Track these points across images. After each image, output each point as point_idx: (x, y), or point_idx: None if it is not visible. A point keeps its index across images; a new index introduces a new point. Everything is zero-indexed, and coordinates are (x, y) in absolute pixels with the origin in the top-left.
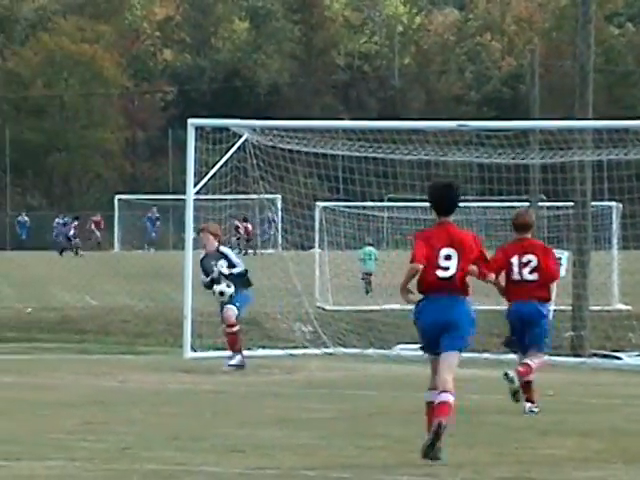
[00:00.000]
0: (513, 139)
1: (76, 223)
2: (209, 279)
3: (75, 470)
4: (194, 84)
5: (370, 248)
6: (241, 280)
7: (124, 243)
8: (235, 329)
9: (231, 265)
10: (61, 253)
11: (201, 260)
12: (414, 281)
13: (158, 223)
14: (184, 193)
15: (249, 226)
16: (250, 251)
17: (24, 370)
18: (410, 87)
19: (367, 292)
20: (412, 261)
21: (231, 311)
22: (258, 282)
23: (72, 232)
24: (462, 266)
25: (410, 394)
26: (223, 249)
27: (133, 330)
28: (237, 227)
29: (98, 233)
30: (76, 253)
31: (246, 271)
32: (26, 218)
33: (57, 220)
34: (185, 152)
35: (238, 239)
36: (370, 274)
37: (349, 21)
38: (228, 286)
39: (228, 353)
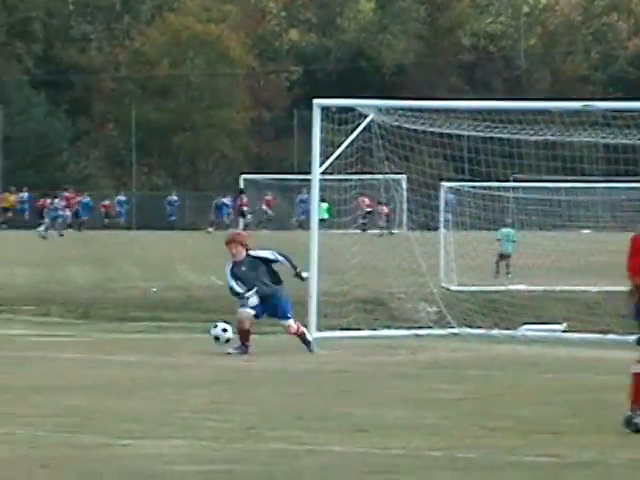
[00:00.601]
0: (639, 119)
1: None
2: (244, 291)
3: (200, 449)
4: (319, 64)
5: (508, 229)
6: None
7: (249, 224)
8: (245, 329)
9: (268, 261)
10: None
11: (231, 269)
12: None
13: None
14: (309, 173)
15: (385, 208)
16: (386, 231)
17: (150, 349)
18: (536, 67)
19: (497, 273)
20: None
21: (246, 314)
22: (383, 262)
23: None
24: None
25: (535, 375)
26: (251, 252)
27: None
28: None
29: (270, 211)
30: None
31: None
32: (175, 197)
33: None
34: (310, 132)
35: (364, 218)
36: (508, 256)
37: (475, 1)
38: (224, 330)
39: (353, 334)
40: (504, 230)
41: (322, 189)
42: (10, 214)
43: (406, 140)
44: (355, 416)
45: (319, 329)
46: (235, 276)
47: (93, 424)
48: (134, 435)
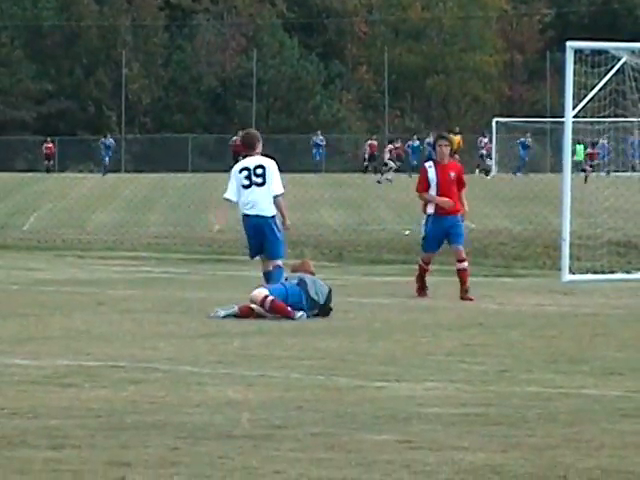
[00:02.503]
0: None
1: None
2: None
3: (454, 391)
4: (572, 6)
5: None
6: None
7: (501, 166)
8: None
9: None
10: None
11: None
12: None
13: (529, 149)
14: (562, 116)
15: None
16: None
17: (403, 292)
18: None
19: None
20: None
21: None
22: (636, 205)
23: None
24: None
25: None
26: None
27: (511, 253)
28: None
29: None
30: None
31: None
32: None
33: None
34: (563, 75)
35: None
36: None
37: None
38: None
39: (606, 277)
40: None
41: (574, 132)
42: None
43: None
44: (609, 359)
45: (572, 272)
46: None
47: (347, 366)
48: (387, 377)
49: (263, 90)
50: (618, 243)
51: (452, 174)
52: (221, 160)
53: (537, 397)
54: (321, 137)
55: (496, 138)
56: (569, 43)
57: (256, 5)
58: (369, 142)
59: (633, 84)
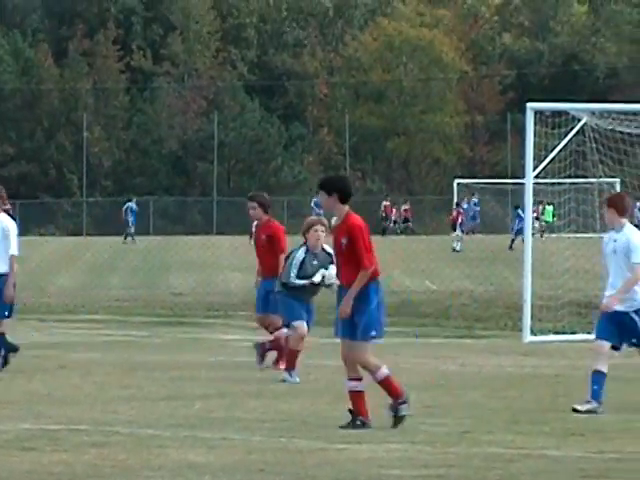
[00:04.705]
0: None
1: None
2: (308, 282)
3: (415, 453)
4: (532, 68)
5: None
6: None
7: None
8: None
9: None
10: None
11: (303, 259)
12: None
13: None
14: (523, 177)
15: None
16: None
17: None
18: None
19: None
20: None
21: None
22: (597, 266)
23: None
24: None
25: None
26: (328, 248)
27: (472, 313)
28: None
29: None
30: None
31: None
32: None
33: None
34: (524, 136)
35: None
36: None
37: None
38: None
39: (567, 337)
40: None
41: (535, 193)
42: None
43: (620, 143)
44: (570, 420)
45: (533, 333)
46: (303, 265)
47: (308, 429)
48: (349, 439)
49: (224, 152)
50: (579, 304)
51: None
52: (182, 222)
53: (498, 458)
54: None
55: (457, 199)
56: (529, 104)
57: (217, 67)
58: (384, 203)
59: (593, 145)
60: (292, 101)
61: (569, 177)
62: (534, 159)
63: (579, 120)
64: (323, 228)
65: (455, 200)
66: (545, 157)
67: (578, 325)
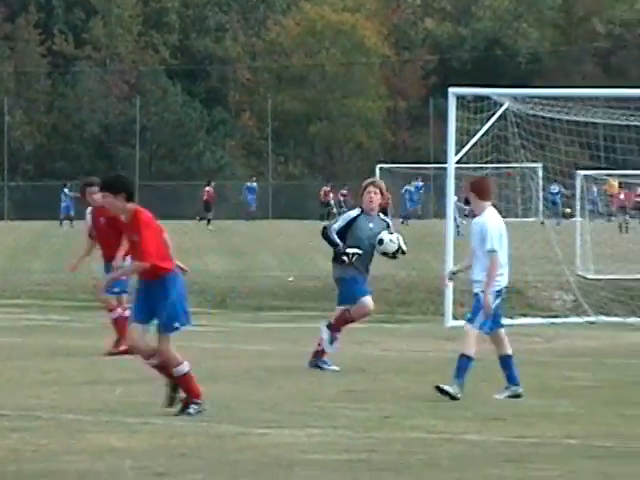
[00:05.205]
0: None
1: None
2: (342, 247)
3: (337, 438)
4: (455, 53)
5: None
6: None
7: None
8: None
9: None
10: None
11: (355, 217)
12: None
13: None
14: (445, 162)
15: None
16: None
17: (286, 338)
18: None
19: None
20: None
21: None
22: (519, 250)
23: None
24: None
25: None
26: (384, 216)
27: (394, 299)
28: None
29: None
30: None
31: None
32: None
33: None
34: (446, 121)
35: None
36: None
37: None
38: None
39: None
40: None
41: (457, 177)
42: None
43: (542, 128)
44: (491, 405)
45: (455, 317)
46: (353, 227)
47: (230, 413)
48: (271, 424)
49: (146, 137)
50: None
51: None
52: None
53: (420, 443)
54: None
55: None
56: (451, 89)
57: (139, 52)
58: (324, 188)
59: (515, 130)
60: (214, 85)
61: (491, 162)
62: (456, 144)
63: (501, 105)
64: (377, 190)
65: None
66: (467, 142)
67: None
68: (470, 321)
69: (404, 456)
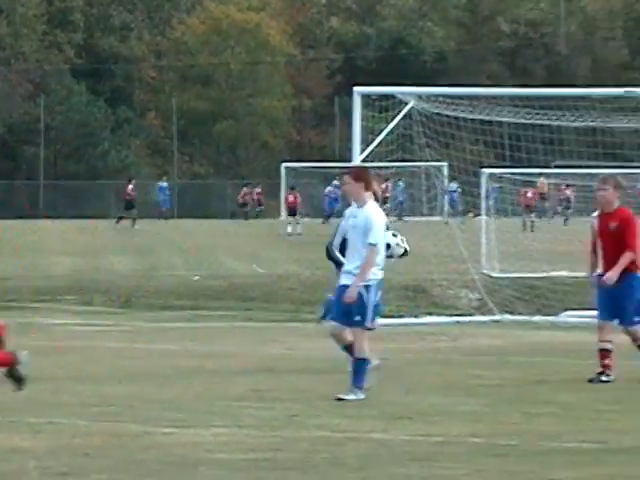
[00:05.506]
0: None
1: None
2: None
3: (242, 437)
4: (360, 52)
5: None
6: None
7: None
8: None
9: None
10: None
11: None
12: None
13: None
14: (350, 161)
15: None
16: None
17: (191, 338)
18: (576, 54)
19: None
20: None
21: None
22: (424, 249)
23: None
24: None
25: (577, 361)
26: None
27: (300, 297)
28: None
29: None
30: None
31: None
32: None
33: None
34: (351, 120)
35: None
36: None
37: None
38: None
39: (395, 321)
40: None
41: None
42: None
43: (446, 127)
44: (397, 403)
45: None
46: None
47: (134, 413)
48: (176, 423)
49: (51, 136)
50: (407, 287)
51: None
52: (8, 206)
53: (326, 442)
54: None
55: (285, 184)
56: (356, 88)
57: (43, 51)
58: (243, 190)
59: (420, 129)
60: (119, 85)
61: (396, 161)
62: (362, 143)
63: (406, 104)
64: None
65: (284, 184)
66: (373, 140)
67: (405, 309)
68: (359, 323)
69: (310, 455)
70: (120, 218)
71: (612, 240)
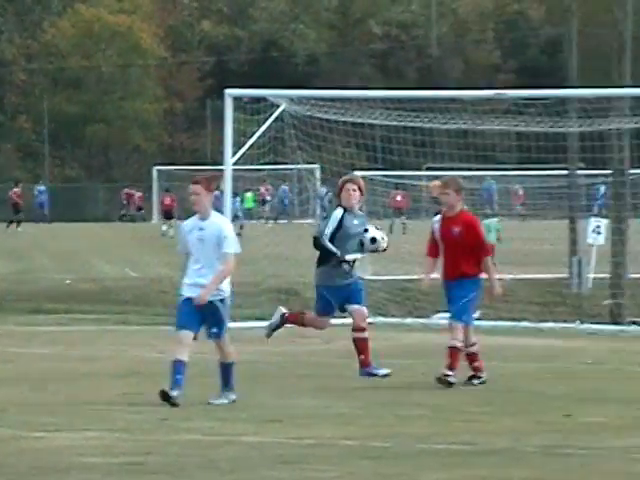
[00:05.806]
0: (551, 107)
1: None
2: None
3: (114, 441)
4: (231, 55)
5: (491, 220)
6: None
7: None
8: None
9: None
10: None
11: (341, 217)
12: None
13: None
14: (222, 164)
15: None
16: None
17: (63, 341)
18: (447, 56)
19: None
20: None
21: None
22: (297, 252)
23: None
24: None
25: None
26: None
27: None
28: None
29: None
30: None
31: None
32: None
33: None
34: (223, 123)
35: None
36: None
37: None
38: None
39: (265, 324)
40: (486, 221)
41: (235, 179)
42: None
43: (319, 130)
44: (268, 406)
45: (233, 319)
46: (343, 225)
47: (5, 417)
48: (47, 427)
49: None
50: (279, 290)
51: None
52: None
53: (197, 445)
54: None
55: (158, 186)
56: (228, 91)
57: None
58: (125, 191)
59: (292, 131)
60: None
61: (269, 164)
62: (234, 145)
63: (278, 106)
64: (355, 186)
65: (156, 187)
66: (245, 143)
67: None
68: (217, 335)
69: (180, 458)
70: (11, 222)
71: (454, 244)
